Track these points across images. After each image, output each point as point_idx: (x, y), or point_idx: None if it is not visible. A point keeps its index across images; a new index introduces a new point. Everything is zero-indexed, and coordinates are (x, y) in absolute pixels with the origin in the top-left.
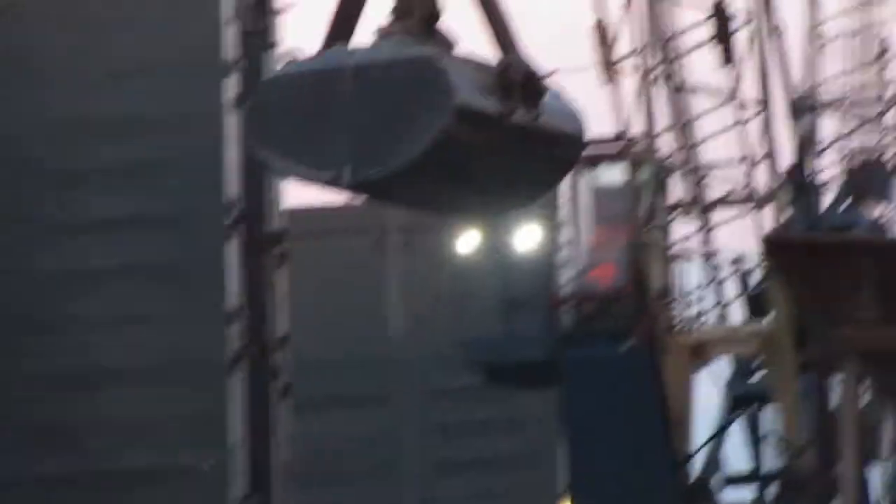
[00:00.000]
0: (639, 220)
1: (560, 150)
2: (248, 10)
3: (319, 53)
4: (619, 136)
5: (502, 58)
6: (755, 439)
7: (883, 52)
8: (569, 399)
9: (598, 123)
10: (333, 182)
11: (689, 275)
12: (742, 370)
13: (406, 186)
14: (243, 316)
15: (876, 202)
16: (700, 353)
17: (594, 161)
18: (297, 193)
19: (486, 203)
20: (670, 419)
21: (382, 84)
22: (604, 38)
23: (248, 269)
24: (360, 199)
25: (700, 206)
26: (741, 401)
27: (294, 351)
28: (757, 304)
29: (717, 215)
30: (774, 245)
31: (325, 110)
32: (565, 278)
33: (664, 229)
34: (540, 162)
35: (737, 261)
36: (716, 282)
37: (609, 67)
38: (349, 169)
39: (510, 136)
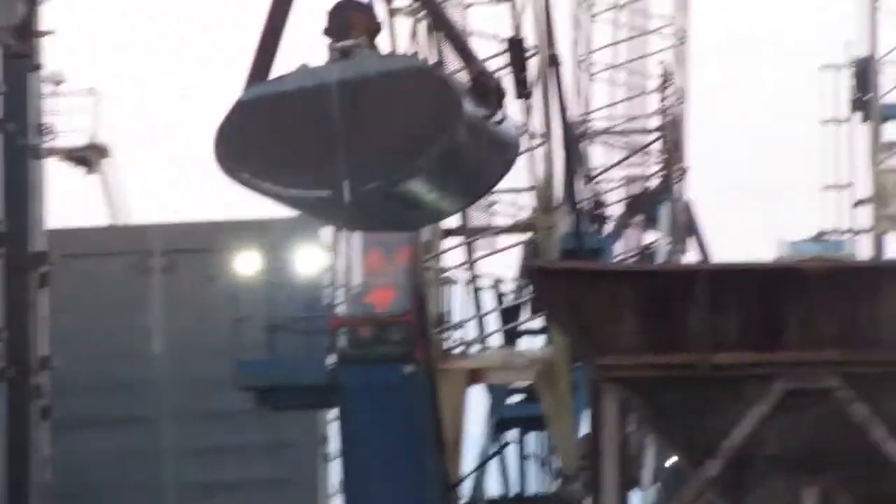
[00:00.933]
0: (418, 245)
1: (508, 153)
2: (10, 33)
3: (280, 76)
4: None
5: (473, 65)
6: (522, 464)
7: (664, 82)
8: (345, 422)
9: None
10: (330, 200)
11: (464, 300)
12: (501, 395)
13: (397, 200)
14: (4, 337)
15: (653, 229)
16: (476, 379)
17: None
18: (60, 214)
19: (442, 208)
20: (444, 443)
21: (378, 97)
22: None
23: (9, 289)
24: (320, 219)
25: (474, 232)
26: (505, 425)
27: (55, 372)
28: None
29: (498, 241)
30: (537, 272)
31: (311, 128)
32: (341, 301)
33: (439, 255)
34: (495, 165)
35: (496, 285)
36: (495, 307)
37: None
38: (349, 184)
39: (484, 141)
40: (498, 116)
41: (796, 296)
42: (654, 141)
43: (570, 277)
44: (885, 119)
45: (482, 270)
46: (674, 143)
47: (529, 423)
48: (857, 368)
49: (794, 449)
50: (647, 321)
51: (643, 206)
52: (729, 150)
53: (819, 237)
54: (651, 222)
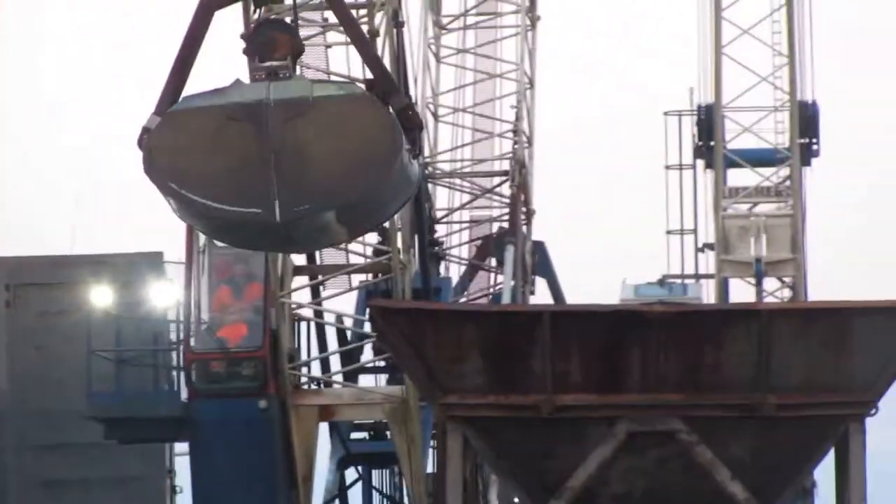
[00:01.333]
0: (269, 281)
1: (410, 189)
2: None
3: (214, 90)
4: None
5: (398, 99)
6: (368, 500)
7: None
8: (198, 456)
9: None
10: (258, 219)
11: (314, 337)
12: (345, 431)
13: (318, 223)
14: None
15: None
16: (328, 415)
17: None
18: None
19: (342, 235)
20: (296, 477)
21: (316, 121)
22: None
23: None
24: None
25: (327, 270)
26: (350, 462)
27: None
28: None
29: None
30: (379, 312)
31: (245, 146)
32: (193, 335)
33: (290, 292)
34: (398, 198)
35: (339, 321)
36: (340, 344)
37: None
38: (279, 205)
39: (400, 174)
40: (415, 151)
41: (639, 339)
42: (499, 184)
43: (411, 317)
44: (729, 165)
45: (335, 308)
46: (519, 186)
47: (375, 459)
48: (700, 412)
49: (638, 490)
50: (491, 361)
51: (493, 248)
52: (576, 193)
53: (663, 281)
54: (501, 265)
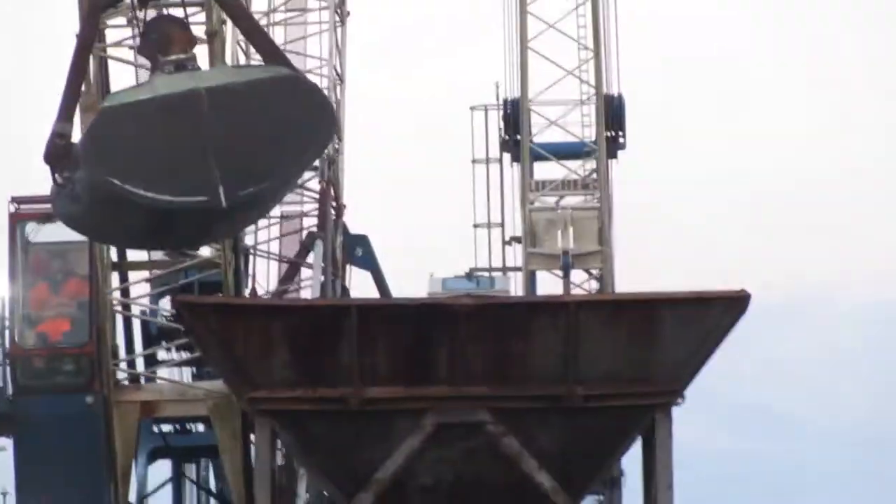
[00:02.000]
0: (94, 277)
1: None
2: None
3: (141, 84)
4: None
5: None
6: (179, 494)
7: None
8: (22, 451)
9: None
10: (206, 205)
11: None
12: (148, 425)
13: (266, 205)
14: None
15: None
16: (150, 410)
17: (50, 216)
18: None
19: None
20: (115, 473)
21: (248, 105)
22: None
23: None
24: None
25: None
26: (160, 455)
27: None
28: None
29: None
30: (185, 308)
31: (181, 136)
32: (15, 331)
33: (116, 289)
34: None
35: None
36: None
37: None
38: (223, 189)
39: None
40: None
41: (447, 332)
42: (309, 179)
43: (218, 312)
44: (536, 159)
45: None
46: (328, 181)
47: (186, 453)
48: (507, 403)
49: (447, 481)
50: (299, 356)
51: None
52: (383, 187)
53: (470, 274)
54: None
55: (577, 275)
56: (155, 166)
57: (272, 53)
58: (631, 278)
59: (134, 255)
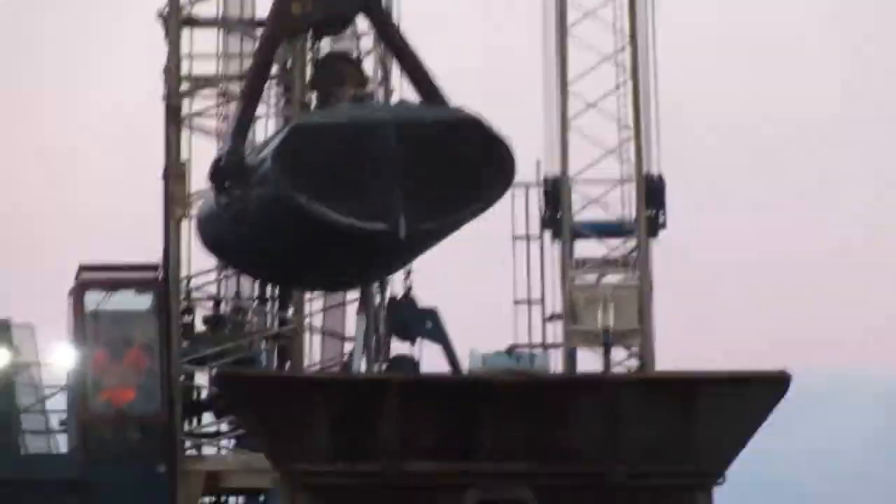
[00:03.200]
0: (170, 346)
1: None
2: None
3: (332, 108)
4: (150, 266)
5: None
6: None
7: None
8: None
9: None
10: (383, 233)
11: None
12: None
13: (435, 241)
14: None
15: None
16: (214, 480)
17: (116, 285)
18: None
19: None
20: None
21: (433, 141)
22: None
23: None
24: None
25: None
26: None
27: None
28: None
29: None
30: (225, 380)
31: (366, 163)
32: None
33: (190, 358)
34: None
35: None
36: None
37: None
38: (404, 220)
39: None
40: None
41: (488, 408)
42: None
43: (258, 385)
44: (576, 236)
45: None
46: None
47: None
48: (550, 480)
49: None
50: (339, 430)
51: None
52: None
53: (511, 350)
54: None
55: (618, 353)
56: (338, 189)
57: (434, 94)
58: (672, 357)
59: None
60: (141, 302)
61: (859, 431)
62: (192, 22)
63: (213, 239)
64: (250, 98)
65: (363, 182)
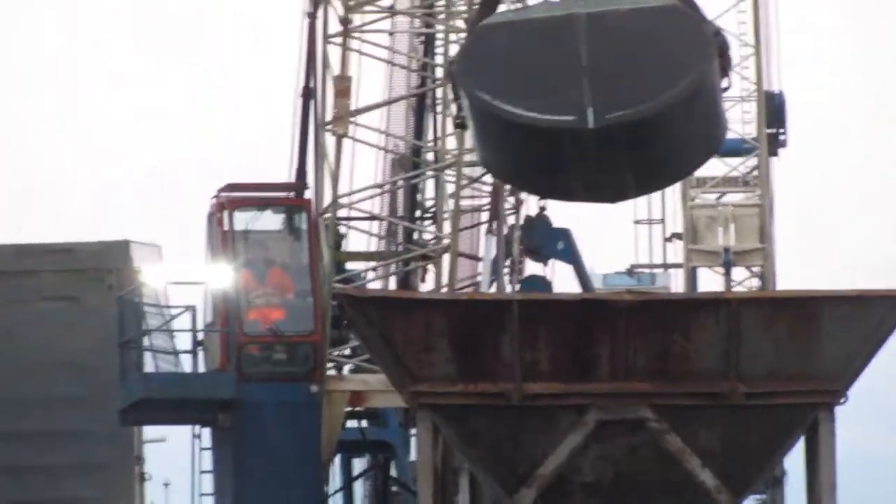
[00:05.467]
0: (322, 268)
1: (720, 131)
2: None
3: (525, 7)
4: (293, 186)
5: (708, 24)
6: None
7: None
8: (246, 437)
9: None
10: (572, 126)
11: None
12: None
13: (651, 135)
14: None
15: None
16: (358, 400)
17: (264, 203)
18: None
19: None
20: (322, 462)
21: (628, 32)
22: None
23: None
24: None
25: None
26: (346, 448)
27: None
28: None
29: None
30: (346, 300)
31: (556, 57)
32: (236, 318)
33: (340, 278)
34: (707, 140)
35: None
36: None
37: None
38: (593, 112)
39: (709, 106)
40: (725, 83)
41: (608, 328)
42: (483, 174)
43: (380, 306)
44: None
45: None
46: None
47: (373, 447)
48: (669, 400)
49: (608, 478)
50: (460, 350)
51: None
52: None
53: (631, 270)
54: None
55: (739, 272)
56: (526, 86)
57: None
58: (793, 276)
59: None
60: (278, 221)
61: None
62: None
63: (481, 160)
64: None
65: (553, 78)
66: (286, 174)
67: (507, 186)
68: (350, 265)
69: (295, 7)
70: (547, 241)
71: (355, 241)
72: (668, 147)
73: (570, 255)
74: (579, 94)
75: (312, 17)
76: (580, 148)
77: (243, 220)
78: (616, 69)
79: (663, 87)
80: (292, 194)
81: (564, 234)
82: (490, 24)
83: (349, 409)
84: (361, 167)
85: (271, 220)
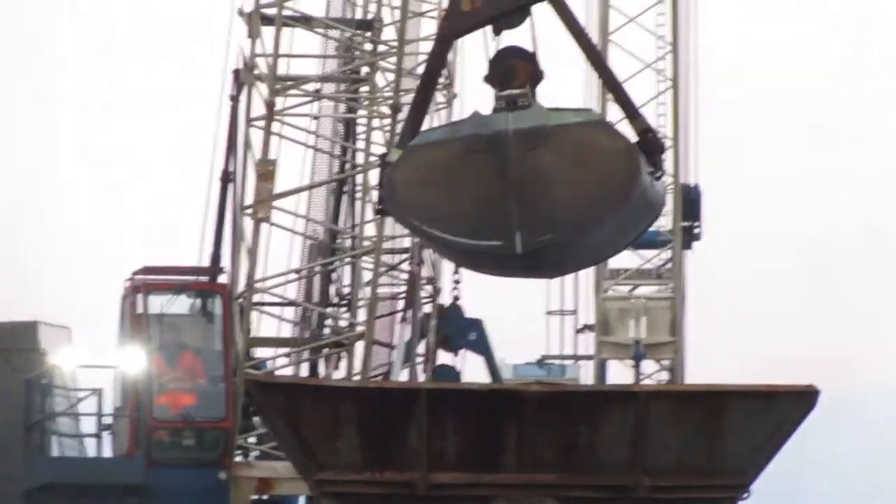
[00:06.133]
0: (235, 351)
1: (655, 212)
2: None
3: (453, 123)
4: (208, 270)
5: (639, 122)
6: None
7: None
8: None
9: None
10: (499, 251)
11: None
12: None
13: (579, 245)
14: None
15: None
16: (265, 487)
17: (179, 287)
18: None
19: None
20: None
21: (554, 148)
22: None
23: None
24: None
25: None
26: None
27: None
28: None
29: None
30: (257, 386)
31: (485, 176)
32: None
33: (253, 364)
34: (642, 223)
35: None
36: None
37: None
38: (520, 237)
39: (643, 198)
40: (658, 173)
41: (515, 419)
42: (400, 262)
43: (288, 392)
44: None
45: None
46: (420, 264)
47: None
48: (575, 492)
49: None
50: (367, 438)
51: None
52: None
53: (542, 361)
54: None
55: (648, 365)
56: (454, 207)
57: (615, 88)
58: (702, 370)
59: (264, 332)
60: (193, 305)
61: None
62: (272, 21)
63: None
64: (422, 103)
65: (481, 199)
66: (195, 258)
67: (424, 275)
68: (261, 352)
69: (211, 90)
70: (459, 331)
71: (267, 326)
72: (596, 247)
73: (482, 345)
74: (507, 217)
75: (235, 99)
76: (508, 264)
77: (158, 303)
78: (544, 188)
79: (591, 204)
80: (207, 278)
81: (477, 325)
82: (418, 143)
83: (255, 496)
84: (275, 252)
85: (185, 304)
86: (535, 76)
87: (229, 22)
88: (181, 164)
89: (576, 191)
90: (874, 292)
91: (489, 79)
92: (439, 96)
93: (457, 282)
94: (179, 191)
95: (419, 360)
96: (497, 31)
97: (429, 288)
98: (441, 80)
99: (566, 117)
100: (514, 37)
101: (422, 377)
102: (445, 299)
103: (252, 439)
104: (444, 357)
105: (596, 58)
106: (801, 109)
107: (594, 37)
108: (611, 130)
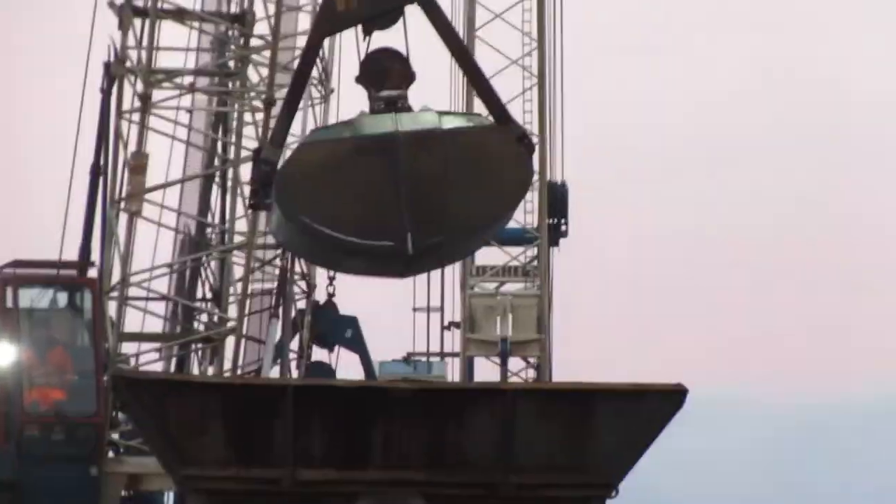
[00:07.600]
0: (105, 348)
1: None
2: None
3: (342, 122)
4: (79, 264)
5: (514, 126)
6: None
7: None
8: None
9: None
10: (391, 252)
11: None
12: None
13: (456, 250)
14: None
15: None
16: (135, 483)
17: (49, 281)
18: None
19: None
20: None
21: (445, 152)
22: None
23: None
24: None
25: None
26: None
27: None
28: None
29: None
30: (124, 382)
31: (377, 177)
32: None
33: (129, 357)
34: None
35: None
36: None
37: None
38: (412, 237)
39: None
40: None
41: (382, 416)
42: (273, 258)
43: (154, 387)
44: None
45: None
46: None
47: None
48: (442, 489)
49: None
50: (233, 434)
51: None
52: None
53: (408, 358)
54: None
55: (515, 362)
56: (345, 206)
57: (489, 94)
58: (569, 368)
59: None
60: (62, 300)
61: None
62: (144, 13)
63: (282, 242)
64: (292, 102)
65: (372, 198)
66: (57, 251)
67: (298, 270)
68: (130, 347)
69: (75, 83)
70: (334, 328)
71: (134, 321)
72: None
73: (357, 343)
74: (398, 218)
75: (106, 92)
76: (391, 264)
77: (27, 297)
78: (435, 190)
79: (483, 207)
80: (76, 273)
81: (352, 322)
82: (309, 142)
83: (125, 493)
84: (143, 246)
85: (55, 299)
86: (409, 77)
87: (93, 14)
88: (44, 156)
89: (468, 193)
90: (742, 288)
91: (361, 79)
92: (315, 92)
93: (332, 278)
94: (40, 185)
95: (293, 356)
96: (368, 32)
97: (302, 284)
98: (316, 74)
99: (457, 121)
100: (382, 37)
101: (296, 374)
102: (320, 296)
103: (115, 435)
104: (318, 354)
105: (469, 64)
106: (669, 105)
107: (461, 33)
108: (503, 135)
